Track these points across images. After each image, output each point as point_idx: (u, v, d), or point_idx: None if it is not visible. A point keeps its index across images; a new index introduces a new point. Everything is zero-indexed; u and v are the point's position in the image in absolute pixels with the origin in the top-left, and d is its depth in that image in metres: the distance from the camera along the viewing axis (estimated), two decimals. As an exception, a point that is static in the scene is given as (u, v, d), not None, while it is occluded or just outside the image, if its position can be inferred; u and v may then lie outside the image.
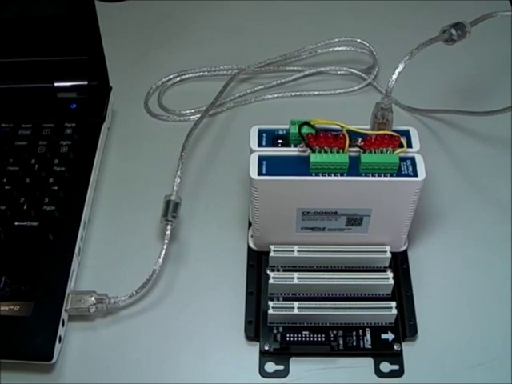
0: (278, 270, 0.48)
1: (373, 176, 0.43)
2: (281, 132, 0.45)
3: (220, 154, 0.57)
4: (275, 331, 0.45)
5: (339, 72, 0.64)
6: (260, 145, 0.45)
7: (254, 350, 0.45)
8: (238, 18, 0.70)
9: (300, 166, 0.43)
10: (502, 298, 0.47)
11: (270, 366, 0.44)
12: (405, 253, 0.50)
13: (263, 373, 0.44)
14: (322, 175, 0.43)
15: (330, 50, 0.64)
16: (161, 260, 0.47)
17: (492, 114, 0.54)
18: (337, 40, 0.63)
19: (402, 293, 0.47)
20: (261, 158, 0.44)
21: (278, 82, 0.63)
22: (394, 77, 0.43)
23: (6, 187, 0.51)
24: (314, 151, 0.43)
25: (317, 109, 0.60)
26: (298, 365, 0.44)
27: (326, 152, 0.43)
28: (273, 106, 0.61)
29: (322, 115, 0.45)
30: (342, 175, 0.43)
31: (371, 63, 0.64)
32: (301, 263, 0.48)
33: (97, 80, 0.58)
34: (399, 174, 0.43)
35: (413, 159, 0.44)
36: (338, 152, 0.43)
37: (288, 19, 0.70)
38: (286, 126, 0.45)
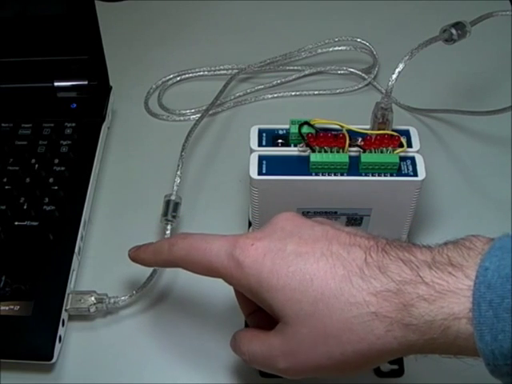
0: (278, 270, 0.48)
1: (373, 176, 0.43)
2: (281, 132, 0.45)
3: (220, 153, 0.57)
4: (275, 331, 0.45)
5: (339, 72, 0.64)
6: (260, 144, 0.45)
7: (253, 349, 0.45)
8: (238, 17, 0.70)
9: (300, 166, 0.43)
10: (501, 298, 0.47)
11: (270, 366, 0.44)
12: (405, 253, 0.49)
13: (263, 372, 0.44)
14: (322, 175, 0.43)
15: (330, 49, 0.64)
16: (161, 260, 0.47)
17: (492, 114, 0.55)
18: (337, 40, 0.63)
19: (402, 293, 0.47)
20: (261, 158, 0.44)
21: (278, 81, 0.63)
22: (394, 76, 0.43)
23: (6, 187, 0.51)
24: (314, 151, 0.43)
25: (317, 108, 0.60)
26: (297, 365, 0.44)
27: (325, 152, 0.43)
28: (273, 106, 0.61)
29: (322, 115, 0.45)
30: (342, 175, 0.43)
31: (371, 63, 0.64)
32: (301, 263, 0.48)
33: (97, 80, 0.58)
34: (399, 173, 0.43)
35: (413, 159, 0.44)
36: (337, 152, 0.43)
37: (288, 19, 0.70)
38: (286, 126, 0.45)
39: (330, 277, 0.33)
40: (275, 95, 0.62)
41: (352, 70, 0.63)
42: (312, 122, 0.44)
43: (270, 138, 0.45)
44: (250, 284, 0.35)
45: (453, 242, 0.33)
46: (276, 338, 0.36)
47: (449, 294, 0.31)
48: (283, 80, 0.63)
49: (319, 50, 0.64)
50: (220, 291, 0.48)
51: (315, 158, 0.42)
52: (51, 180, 0.52)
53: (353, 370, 0.35)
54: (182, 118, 0.60)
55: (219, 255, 0.36)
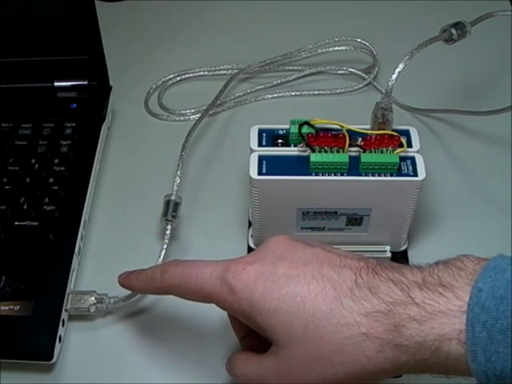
0: (278, 270, 0.48)
1: (373, 176, 0.43)
2: (281, 132, 0.45)
3: (220, 153, 0.57)
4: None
5: (339, 72, 0.64)
6: (260, 144, 0.45)
7: (253, 349, 0.45)
8: (238, 18, 0.70)
9: (300, 166, 0.43)
10: (501, 298, 0.47)
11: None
12: (405, 252, 0.50)
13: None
14: (322, 175, 0.43)
15: (330, 49, 0.64)
16: (161, 260, 0.47)
17: (492, 114, 0.54)
18: (337, 40, 0.63)
19: (402, 293, 0.47)
20: (261, 158, 0.44)
21: (278, 81, 0.63)
22: (394, 76, 0.43)
23: (6, 187, 0.51)
24: (314, 151, 0.43)
25: (317, 108, 0.60)
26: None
27: (325, 152, 0.43)
28: (273, 106, 0.61)
29: (322, 115, 0.45)
30: (342, 175, 0.43)
31: (371, 63, 0.64)
32: (301, 263, 0.48)
33: (97, 80, 0.58)
34: (399, 173, 0.43)
35: (413, 159, 0.44)
36: (337, 152, 0.43)
37: (288, 19, 0.70)
38: (286, 126, 0.45)
39: (321, 299, 0.34)
40: (275, 95, 0.62)
41: (352, 70, 0.63)
42: (312, 122, 0.44)
43: (269, 138, 0.45)
44: (242, 308, 0.36)
45: (444, 261, 0.34)
46: (269, 360, 0.36)
47: (439, 315, 0.31)
48: (283, 80, 0.63)
49: (319, 50, 0.64)
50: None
51: (315, 157, 0.42)
52: (51, 180, 0.52)
53: None
54: (182, 118, 0.60)
55: (211, 281, 0.36)
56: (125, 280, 0.43)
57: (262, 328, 0.35)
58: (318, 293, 0.34)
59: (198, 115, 0.57)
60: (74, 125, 0.55)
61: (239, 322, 0.38)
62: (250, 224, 0.50)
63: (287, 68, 0.64)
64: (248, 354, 0.39)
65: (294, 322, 0.34)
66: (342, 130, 0.43)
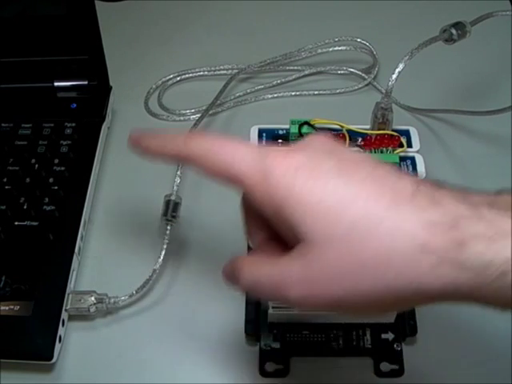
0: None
1: (373, 176, 0.43)
2: (281, 132, 0.45)
3: (220, 153, 0.57)
4: (275, 331, 0.45)
5: (339, 72, 0.64)
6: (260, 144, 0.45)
7: (253, 349, 0.45)
8: (238, 17, 0.70)
9: (300, 166, 0.43)
10: (501, 298, 0.47)
11: (270, 366, 0.44)
12: (405, 253, 0.49)
13: (263, 372, 0.44)
14: (322, 175, 0.43)
15: (330, 49, 0.64)
16: (161, 260, 0.47)
17: (492, 114, 0.55)
18: (337, 40, 0.63)
19: (402, 293, 0.47)
20: (261, 158, 0.44)
21: (278, 81, 0.63)
22: (394, 76, 0.43)
23: (6, 187, 0.51)
24: (314, 151, 0.43)
25: (317, 108, 0.60)
26: (298, 364, 0.44)
27: (326, 152, 0.43)
28: (273, 106, 0.61)
29: (322, 115, 0.45)
30: (342, 175, 0.43)
31: (371, 63, 0.64)
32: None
33: (97, 79, 0.58)
34: (399, 173, 0.43)
35: (413, 159, 0.44)
36: (338, 152, 0.43)
37: (288, 19, 0.70)
38: (286, 126, 0.45)
39: (374, 201, 0.29)
40: (275, 95, 0.62)
41: (352, 70, 0.63)
42: (312, 122, 0.44)
43: (269, 138, 0.45)
44: (275, 196, 0.30)
45: (506, 190, 0.30)
46: (293, 260, 0.30)
47: None
48: (283, 80, 0.63)
49: (319, 50, 0.64)
50: (220, 291, 0.48)
51: (315, 157, 0.42)
52: (51, 180, 0.52)
53: (376, 311, 0.31)
54: (182, 118, 0.60)
55: (245, 160, 0.32)
56: (138, 137, 0.36)
57: (293, 222, 0.30)
58: (370, 194, 0.29)
59: (198, 115, 0.57)
60: (74, 125, 0.55)
61: (258, 222, 0.34)
62: (250, 224, 0.50)
63: (287, 68, 0.64)
64: (261, 254, 0.33)
65: (337, 221, 0.29)
66: (342, 130, 0.44)
